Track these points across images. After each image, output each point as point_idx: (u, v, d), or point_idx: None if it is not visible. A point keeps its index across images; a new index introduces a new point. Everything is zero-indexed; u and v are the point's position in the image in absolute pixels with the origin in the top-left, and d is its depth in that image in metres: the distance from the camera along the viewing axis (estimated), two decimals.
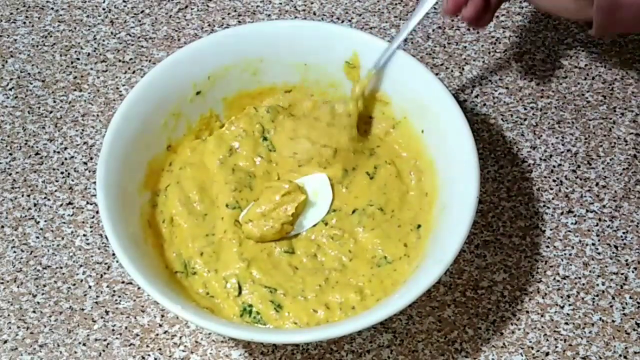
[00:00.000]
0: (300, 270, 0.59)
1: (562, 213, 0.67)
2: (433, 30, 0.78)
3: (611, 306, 0.62)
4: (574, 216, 0.67)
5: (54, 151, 0.71)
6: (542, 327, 0.61)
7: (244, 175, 0.63)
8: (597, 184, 0.68)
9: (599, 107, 0.73)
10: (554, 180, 0.69)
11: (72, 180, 0.69)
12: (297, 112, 0.66)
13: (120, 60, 0.77)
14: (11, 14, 0.81)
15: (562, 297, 0.63)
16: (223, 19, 0.80)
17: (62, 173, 0.70)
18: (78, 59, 0.77)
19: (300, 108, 0.67)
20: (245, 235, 0.60)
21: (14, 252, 0.65)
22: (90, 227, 0.67)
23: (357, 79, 0.65)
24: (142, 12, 0.81)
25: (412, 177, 0.63)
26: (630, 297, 0.63)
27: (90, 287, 0.63)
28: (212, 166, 0.63)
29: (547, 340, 0.61)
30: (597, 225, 0.66)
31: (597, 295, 0.63)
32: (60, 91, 0.75)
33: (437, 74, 0.72)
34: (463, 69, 0.75)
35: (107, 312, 0.62)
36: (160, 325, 0.62)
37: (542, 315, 0.62)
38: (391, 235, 0.60)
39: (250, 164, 0.64)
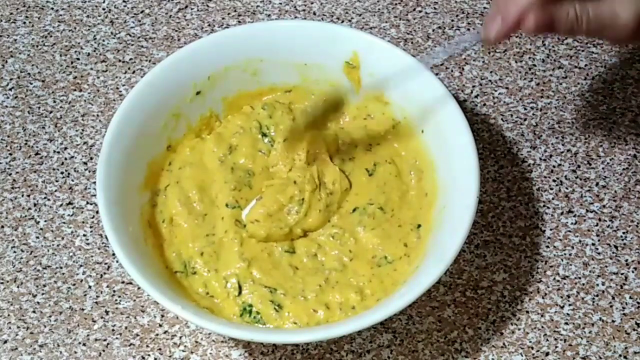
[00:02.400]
0: (300, 270, 0.59)
1: (562, 213, 0.67)
2: (433, 30, 0.78)
3: (611, 306, 0.62)
4: (574, 216, 0.67)
5: (54, 151, 0.71)
6: (542, 327, 0.61)
7: (243, 173, 0.63)
8: (597, 184, 0.68)
9: (599, 107, 0.73)
10: (554, 180, 0.69)
11: (72, 180, 0.69)
12: (296, 108, 0.67)
13: (120, 60, 0.77)
14: (11, 14, 0.81)
15: (562, 297, 0.63)
16: (223, 19, 0.80)
17: (62, 173, 0.70)
18: (78, 59, 0.77)
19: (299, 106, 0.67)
20: (250, 234, 0.60)
21: (14, 252, 0.65)
22: (90, 227, 0.67)
23: (358, 80, 0.65)
24: (142, 12, 0.81)
25: (412, 176, 0.63)
26: (630, 297, 0.63)
27: (90, 287, 0.63)
28: (212, 165, 0.63)
29: (547, 340, 0.61)
30: (597, 225, 0.66)
31: (597, 295, 0.63)
32: (60, 91, 0.75)
33: (437, 74, 0.72)
34: (463, 69, 0.75)
35: (107, 312, 0.62)
36: (160, 325, 0.62)
37: (542, 315, 0.62)
38: (391, 235, 0.60)
39: (249, 161, 0.63)
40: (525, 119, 0.72)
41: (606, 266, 0.64)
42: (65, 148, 0.71)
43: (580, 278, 0.64)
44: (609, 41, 0.72)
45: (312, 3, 0.81)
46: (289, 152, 0.63)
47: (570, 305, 0.62)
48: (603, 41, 0.76)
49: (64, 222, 0.67)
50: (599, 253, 0.65)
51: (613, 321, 0.61)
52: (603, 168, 0.69)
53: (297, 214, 0.60)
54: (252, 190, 0.62)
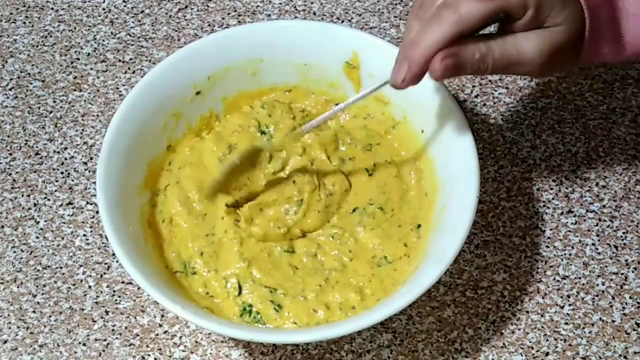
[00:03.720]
0: (300, 270, 0.59)
1: (562, 213, 0.67)
2: None
3: (611, 306, 0.62)
4: (574, 216, 0.67)
5: (54, 151, 0.71)
6: (542, 327, 0.61)
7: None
8: (597, 184, 0.68)
9: (599, 107, 0.73)
10: (554, 180, 0.69)
11: (72, 180, 0.69)
12: (295, 107, 0.67)
13: (120, 60, 0.77)
14: (11, 14, 0.81)
15: (562, 297, 0.63)
16: (223, 19, 0.80)
17: (62, 173, 0.70)
18: (78, 59, 0.77)
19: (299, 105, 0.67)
20: (248, 233, 0.60)
21: (14, 252, 0.65)
22: (90, 227, 0.67)
23: (358, 80, 0.65)
24: (142, 12, 0.81)
25: (412, 176, 0.63)
26: (630, 297, 0.63)
27: (90, 287, 0.63)
28: (211, 165, 0.63)
29: (547, 340, 0.61)
30: (597, 225, 0.66)
31: (597, 295, 0.63)
32: (60, 91, 0.75)
33: None
34: None
35: (107, 312, 0.62)
36: (160, 325, 0.62)
37: (542, 315, 0.62)
38: (391, 235, 0.60)
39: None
40: (525, 119, 0.72)
41: (606, 266, 0.64)
42: (65, 148, 0.71)
43: (580, 278, 0.64)
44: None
45: (312, 3, 0.81)
46: (212, 202, 0.61)
47: (570, 305, 0.62)
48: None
49: (64, 222, 0.67)
50: (599, 253, 0.65)
51: (613, 321, 0.61)
52: (603, 168, 0.69)
53: (296, 215, 0.60)
54: (253, 190, 0.62)
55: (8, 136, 0.72)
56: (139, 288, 0.63)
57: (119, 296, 0.63)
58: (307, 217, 0.61)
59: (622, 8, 0.52)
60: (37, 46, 0.78)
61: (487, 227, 0.66)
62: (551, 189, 0.68)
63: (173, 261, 0.59)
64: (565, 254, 0.65)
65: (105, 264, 0.65)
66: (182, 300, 0.54)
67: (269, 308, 0.57)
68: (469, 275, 0.63)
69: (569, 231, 0.66)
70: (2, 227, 0.67)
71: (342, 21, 0.79)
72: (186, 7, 0.81)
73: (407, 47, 0.50)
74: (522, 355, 0.60)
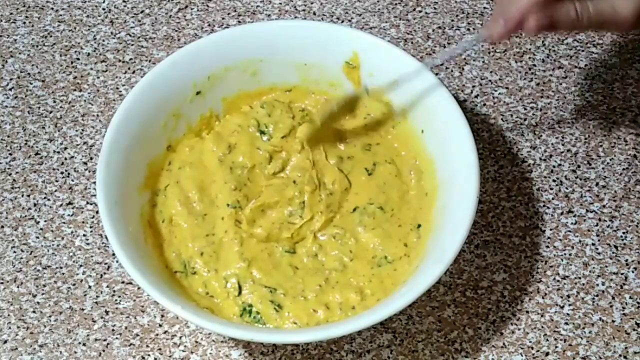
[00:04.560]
0: (300, 270, 0.59)
1: (562, 213, 0.67)
2: (433, 30, 0.78)
3: (611, 306, 0.62)
4: (574, 216, 0.67)
5: (54, 151, 0.71)
6: (542, 327, 0.61)
7: (243, 173, 0.63)
8: (597, 184, 0.68)
9: (599, 107, 0.73)
10: (554, 180, 0.69)
11: (72, 180, 0.69)
12: (295, 107, 0.67)
13: (120, 60, 0.77)
14: (11, 14, 0.81)
15: (562, 297, 0.63)
16: (223, 19, 0.80)
17: (62, 173, 0.70)
18: (78, 59, 0.77)
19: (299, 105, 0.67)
20: (249, 234, 0.60)
21: (14, 252, 0.65)
22: (90, 227, 0.67)
23: (357, 80, 0.65)
24: (142, 12, 0.81)
25: (412, 176, 0.63)
26: (630, 297, 0.63)
27: (90, 287, 0.63)
28: (211, 165, 0.63)
29: (547, 340, 0.61)
30: (597, 225, 0.66)
31: (597, 295, 0.63)
32: (60, 91, 0.75)
33: (437, 74, 0.72)
34: (463, 69, 0.75)
35: (107, 312, 0.62)
36: (160, 325, 0.62)
37: (542, 315, 0.62)
38: (391, 235, 0.60)
39: (248, 160, 0.63)
40: (525, 119, 0.72)
41: (606, 266, 0.64)
42: (65, 148, 0.71)
43: (580, 278, 0.64)
44: (609, 32, 0.74)
45: (312, 3, 0.81)
46: (309, 150, 0.63)
47: (570, 305, 0.62)
48: (603, 40, 0.77)
49: (64, 222, 0.67)
50: (599, 253, 0.65)
51: (613, 321, 0.61)
52: (603, 168, 0.69)
53: (302, 219, 0.60)
54: (253, 190, 0.62)
55: (8, 136, 0.72)
56: (139, 288, 0.63)
57: (119, 296, 0.63)
58: (314, 220, 0.61)
59: None
60: (37, 46, 0.78)
61: (487, 227, 0.66)
62: (551, 189, 0.68)
63: (173, 261, 0.59)
64: (565, 254, 0.65)
65: (105, 264, 0.65)
66: (182, 300, 0.54)
67: (269, 308, 0.57)
68: (469, 275, 0.63)
69: (569, 231, 0.66)
70: (2, 227, 0.67)
71: (342, 21, 0.79)
72: (186, 7, 0.81)
73: (504, 3, 0.52)
74: (522, 355, 0.60)
